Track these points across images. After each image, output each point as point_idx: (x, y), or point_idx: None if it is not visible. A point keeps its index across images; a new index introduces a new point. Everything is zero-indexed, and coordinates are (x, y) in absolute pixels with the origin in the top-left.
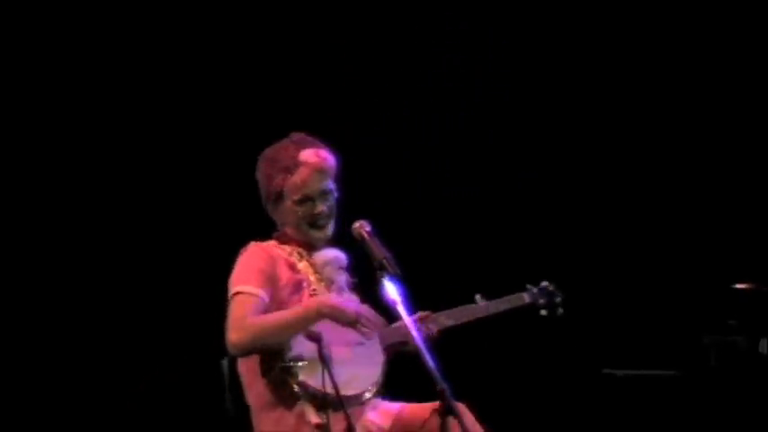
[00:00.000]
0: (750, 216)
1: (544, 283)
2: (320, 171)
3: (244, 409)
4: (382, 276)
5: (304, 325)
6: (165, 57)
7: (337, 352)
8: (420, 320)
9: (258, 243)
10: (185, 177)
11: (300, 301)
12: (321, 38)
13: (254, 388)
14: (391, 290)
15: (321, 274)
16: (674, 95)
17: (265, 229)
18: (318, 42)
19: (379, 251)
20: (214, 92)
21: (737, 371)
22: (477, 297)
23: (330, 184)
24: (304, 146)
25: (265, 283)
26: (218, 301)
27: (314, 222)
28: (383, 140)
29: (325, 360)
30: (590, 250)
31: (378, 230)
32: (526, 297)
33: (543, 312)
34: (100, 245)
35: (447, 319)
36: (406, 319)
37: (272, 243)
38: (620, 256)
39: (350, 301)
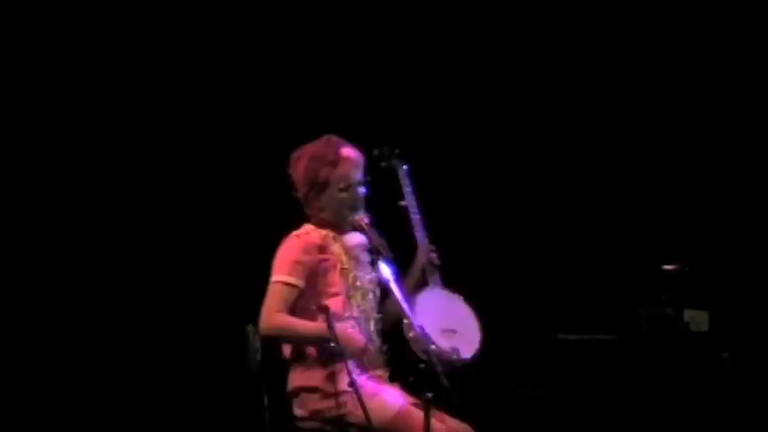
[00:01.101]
0: (679, 209)
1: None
2: (358, 164)
3: (268, 371)
4: (378, 259)
5: (317, 342)
6: (175, 55)
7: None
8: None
9: (297, 234)
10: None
11: (333, 279)
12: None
13: (295, 346)
14: (385, 270)
15: (350, 255)
16: (615, 78)
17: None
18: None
19: (375, 238)
20: (239, 89)
21: (665, 336)
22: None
23: (363, 176)
24: (342, 144)
25: (300, 273)
26: (245, 271)
27: (354, 206)
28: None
29: (332, 327)
30: (545, 234)
31: (373, 222)
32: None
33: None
34: (133, 215)
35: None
36: (398, 294)
37: (309, 227)
38: (574, 242)
39: (361, 337)
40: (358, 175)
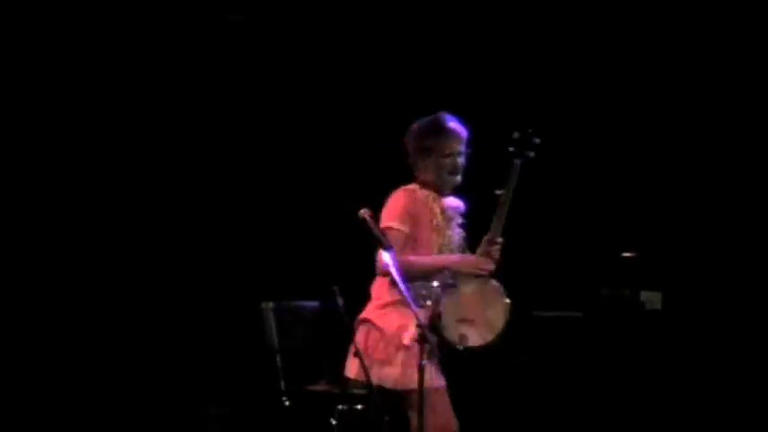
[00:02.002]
0: (636, 204)
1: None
2: (461, 137)
3: (284, 346)
4: (379, 248)
5: (437, 273)
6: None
7: None
8: None
9: (405, 188)
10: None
11: (428, 233)
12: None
13: (380, 294)
14: (386, 257)
15: (446, 215)
16: (573, 72)
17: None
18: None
19: (377, 230)
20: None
21: (624, 313)
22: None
23: (465, 147)
24: (449, 119)
25: (406, 220)
26: (262, 252)
27: (453, 172)
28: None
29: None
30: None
31: (376, 216)
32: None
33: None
34: (153, 193)
35: None
36: (398, 279)
37: (416, 186)
38: (548, 233)
39: (470, 260)
40: (459, 146)
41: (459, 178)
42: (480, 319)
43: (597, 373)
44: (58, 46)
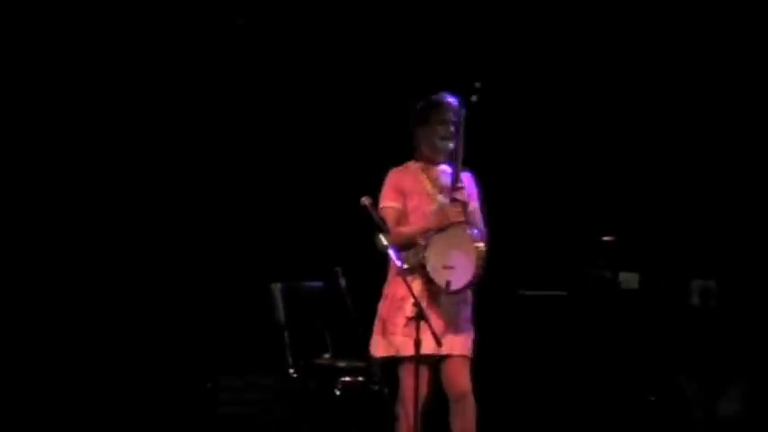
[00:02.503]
0: (615, 194)
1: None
2: (454, 107)
3: (291, 323)
4: (379, 232)
5: (425, 234)
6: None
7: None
8: None
9: (394, 168)
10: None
11: (420, 202)
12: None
13: (389, 268)
14: (383, 240)
15: (436, 183)
16: (546, 63)
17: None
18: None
19: (376, 216)
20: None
21: (604, 292)
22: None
23: (455, 117)
24: (445, 95)
25: (396, 196)
26: (272, 236)
27: (446, 137)
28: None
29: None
30: (514, 212)
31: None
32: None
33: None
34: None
35: None
36: (395, 259)
37: (409, 163)
38: (534, 219)
39: (443, 214)
40: (451, 115)
41: (450, 144)
42: (459, 263)
43: (579, 346)
44: (60, 46)
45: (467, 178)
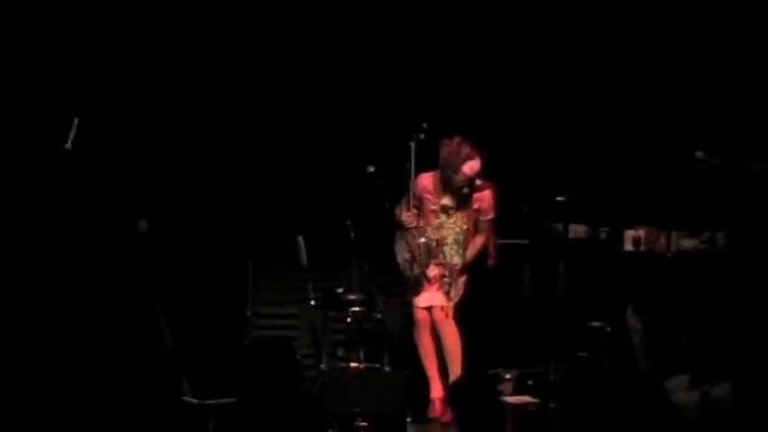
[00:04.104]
0: (566, 159)
1: None
2: (467, 163)
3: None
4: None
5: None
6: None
7: None
8: None
9: (420, 175)
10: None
11: (428, 212)
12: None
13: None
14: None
15: (443, 206)
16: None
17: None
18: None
19: (379, 182)
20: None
21: (558, 241)
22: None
23: (470, 172)
24: (464, 146)
25: (413, 199)
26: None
27: (457, 186)
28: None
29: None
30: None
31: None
32: None
33: None
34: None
35: None
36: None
37: (435, 173)
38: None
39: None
40: (465, 170)
41: (462, 192)
42: (418, 258)
43: (538, 282)
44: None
45: (484, 195)
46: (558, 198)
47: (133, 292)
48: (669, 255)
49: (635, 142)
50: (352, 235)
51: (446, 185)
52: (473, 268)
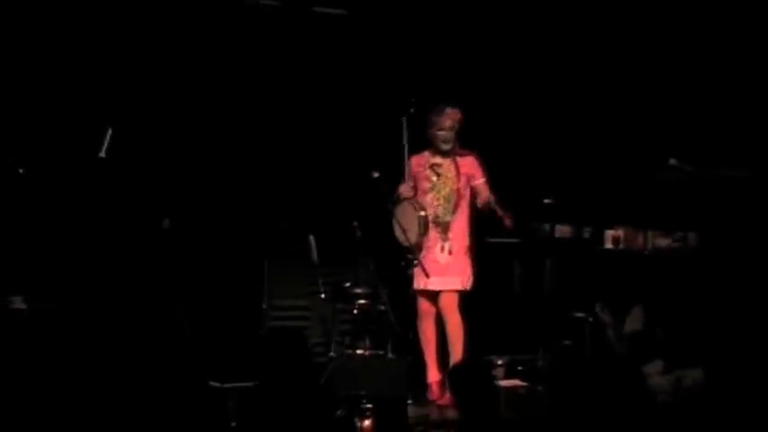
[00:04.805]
0: (553, 167)
1: None
2: (450, 116)
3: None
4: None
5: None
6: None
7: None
8: None
9: (412, 155)
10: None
11: (422, 184)
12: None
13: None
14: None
15: (434, 169)
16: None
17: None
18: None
19: (383, 187)
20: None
21: (544, 240)
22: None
23: (452, 124)
24: (446, 106)
25: (409, 177)
26: (263, 215)
27: (443, 141)
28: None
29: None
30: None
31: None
32: None
33: None
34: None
35: None
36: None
37: (424, 151)
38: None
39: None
40: (448, 123)
41: (446, 146)
42: (411, 227)
43: (528, 276)
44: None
45: (468, 160)
46: (546, 201)
47: (160, 289)
48: (646, 252)
49: (615, 149)
50: (359, 234)
51: (433, 146)
52: (473, 268)
